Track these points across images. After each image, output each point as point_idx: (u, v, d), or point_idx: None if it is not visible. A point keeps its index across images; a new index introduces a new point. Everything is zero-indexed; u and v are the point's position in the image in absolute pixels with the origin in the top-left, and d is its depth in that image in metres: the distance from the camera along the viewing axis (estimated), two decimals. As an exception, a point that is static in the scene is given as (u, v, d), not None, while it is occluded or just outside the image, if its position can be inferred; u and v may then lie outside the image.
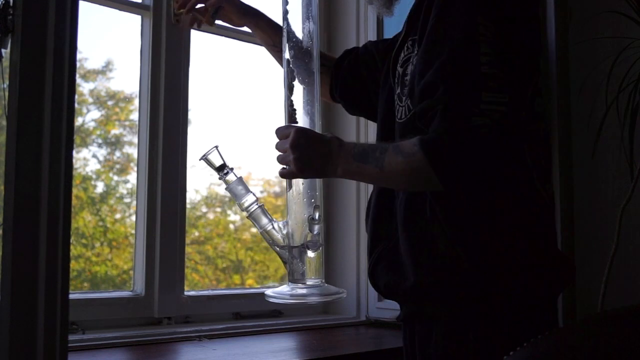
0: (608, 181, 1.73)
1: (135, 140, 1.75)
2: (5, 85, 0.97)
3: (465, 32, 1.02)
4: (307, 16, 1.28)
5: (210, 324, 1.73)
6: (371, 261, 1.21)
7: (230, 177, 1.28)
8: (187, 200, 1.71)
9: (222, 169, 1.28)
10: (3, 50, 0.97)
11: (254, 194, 1.28)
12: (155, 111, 1.71)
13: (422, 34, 1.09)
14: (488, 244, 1.06)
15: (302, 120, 1.27)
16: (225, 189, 1.30)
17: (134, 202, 1.69)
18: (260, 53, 1.93)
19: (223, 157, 1.29)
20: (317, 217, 1.23)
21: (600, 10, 1.69)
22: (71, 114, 0.92)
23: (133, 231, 1.71)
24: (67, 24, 0.93)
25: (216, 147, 1.29)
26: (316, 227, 1.23)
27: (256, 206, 1.27)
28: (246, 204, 1.27)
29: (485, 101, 0.99)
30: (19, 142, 0.88)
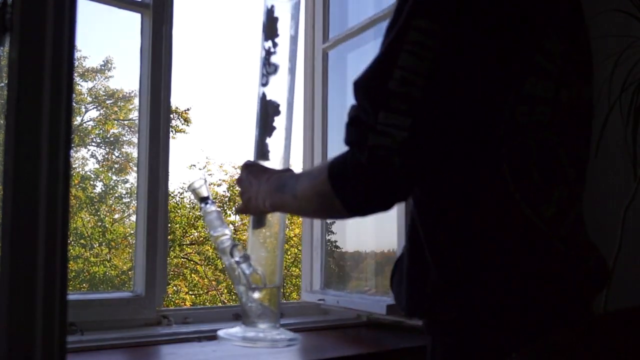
0: (611, 181, 1.73)
1: (134, 139, 1.75)
2: (3, 84, 0.96)
3: (393, 37, 0.88)
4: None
5: (210, 324, 1.72)
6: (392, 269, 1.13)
7: (211, 208, 1.28)
8: (186, 201, 1.69)
9: (205, 200, 1.28)
10: (1, 49, 0.96)
11: (229, 230, 1.28)
12: (155, 110, 1.70)
13: None
14: (470, 276, 0.95)
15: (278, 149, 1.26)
16: (203, 218, 1.30)
17: (133, 202, 1.69)
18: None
19: (208, 189, 1.31)
20: (236, 257, 1.20)
21: (602, 8, 1.69)
22: (69, 113, 0.91)
23: (132, 231, 1.70)
24: (66, 23, 0.92)
25: (204, 180, 1.30)
26: (243, 266, 1.20)
27: (228, 242, 1.26)
28: (219, 237, 1.26)
29: (381, 122, 0.86)
30: (17, 141, 0.87)
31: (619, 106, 1.58)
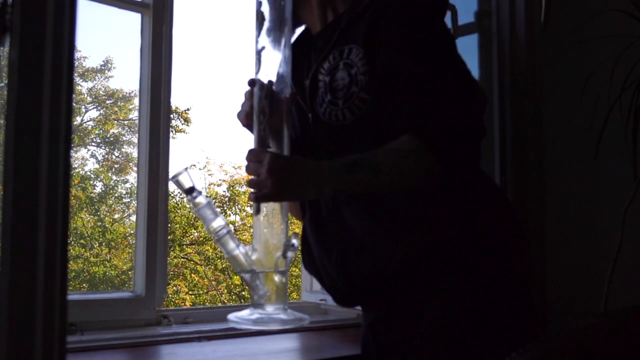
0: (611, 182, 1.73)
1: (134, 139, 1.75)
2: (3, 84, 0.96)
3: (442, 44, 1.18)
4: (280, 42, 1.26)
5: (210, 324, 1.72)
6: (333, 264, 1.26)
7: (200, 200, 1.26)
8: (186, 201, 1.68)
9: (191, 192, 1.25)
10: (1, 49, 0.96)
11: (222, 218, 1.26)
12: (155, 110, 1.70)
13: (371, 40, 1.19)
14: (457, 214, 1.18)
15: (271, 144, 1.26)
16: (194, 211, 1.27)
17: (133, 202, 1.68)
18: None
19: (192, 179, 1.27)
20: (296, 243, 1.21)
21: (602, 8, 1.69)
22: (69, 113, 0.91)
23: (132, 231, 1.70)
24: (66, 23, 0.92)
25: (186, 168, 1.27)
26: (290, 254, 1.21)
27: (224, 230, 1.24)
28: (215, 228, 1.24)
29: (473, 88, 1.17)
30: (17, 141, 0.87)
31: (619, 106, 1.58)
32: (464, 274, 1.15)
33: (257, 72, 1.26)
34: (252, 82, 1.26)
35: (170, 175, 1.27)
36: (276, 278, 1.22)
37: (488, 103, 1.27)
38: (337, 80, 1.23)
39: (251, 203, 1.21)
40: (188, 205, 10.60)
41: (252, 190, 1.16)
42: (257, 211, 1.23)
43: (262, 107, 1.23)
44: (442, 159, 1.11)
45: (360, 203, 1.23)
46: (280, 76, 1.25)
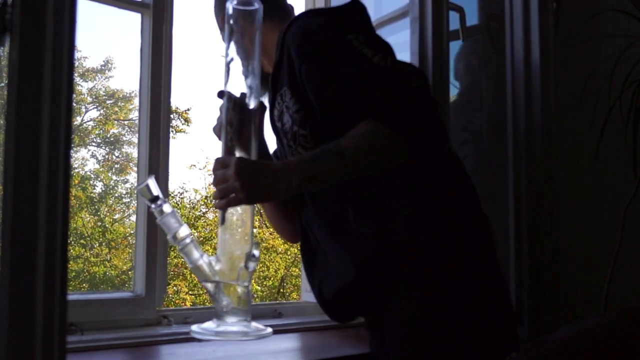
0: (611, 181, 1.73)
1: (135, 139, 1.75)
2: (3, 84, 0.97)
3: (347, 52, 1.16)
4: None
5: (210, 324, 1.72)
6: (315, 287, 1.32)
7: (166, 208, 1.25)
8: (187, 201, 1.68)
9: (156, 200, 1.24)
10: (1, 49, 0.96)
11: (186, 227, 1.26)
12: (155, 110, 1.70)
13: (292, 80, 1.21)
14: (413, 217, 1.18)
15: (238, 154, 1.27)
16: (158, 220, 1.26)
17: (134, 202, 1.68)
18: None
19: (158, 188, 1.26)
20: (257, 254, 1.21)
21: (602, 8, 1.69)
22: (69, 113, 0.91)
23: (132, 231, 1.70)
24: (66, 23, 0.92)
25: (152, 176, 1.27)
26: (252, 265, 1.21)
27: (188, 240, 1.24)
28: (179, 237, 1.24)
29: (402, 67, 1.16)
30: (17, 141, 0.87)
31: (619, 106, 1.58)
32: (414, 286, 1.17)
33: (225, 84, 1.27)
34: (221, 94, 1.27)
35: (137, 185, 1.27)
36: (239, 290, 1.21)
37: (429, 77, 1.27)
38: (285, 123, 1.27)
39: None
40: (188, 206, 10.60)
41: (217, 200, 1.16)
42: (222, 221, 1.22)
43: (230, 119, 1.25)
44: (395, 127, 1.10)
45: (326, 225, 1.27)
46: (249, 88, 1.26)
